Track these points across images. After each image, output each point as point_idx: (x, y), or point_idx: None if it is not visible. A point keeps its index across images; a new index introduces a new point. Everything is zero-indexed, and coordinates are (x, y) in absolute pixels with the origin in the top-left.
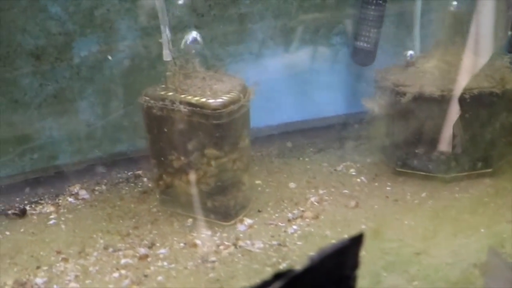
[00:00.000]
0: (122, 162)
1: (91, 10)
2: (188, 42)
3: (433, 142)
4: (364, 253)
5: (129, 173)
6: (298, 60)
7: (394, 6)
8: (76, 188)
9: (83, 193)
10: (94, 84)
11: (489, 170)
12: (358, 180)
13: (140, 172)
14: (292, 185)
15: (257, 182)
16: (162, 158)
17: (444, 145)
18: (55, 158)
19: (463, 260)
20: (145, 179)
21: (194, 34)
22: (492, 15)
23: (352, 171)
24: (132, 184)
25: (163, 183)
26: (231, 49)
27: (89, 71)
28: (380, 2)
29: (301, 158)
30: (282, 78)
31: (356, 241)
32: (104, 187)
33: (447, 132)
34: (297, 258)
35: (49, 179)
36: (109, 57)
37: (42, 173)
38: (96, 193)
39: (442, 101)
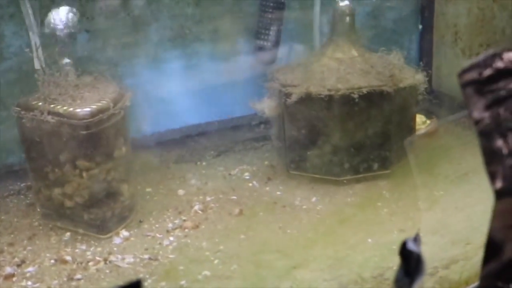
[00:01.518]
0: (14, 174)
1: None
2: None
3: (325, 143)
4: (236, 267)
5: (21, 185)
6: (199, 61)
7: (295, 3)
8: None
9: None
10: None
11: (387, 171)
12: (250, 184)
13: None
14: (181, 192)
15: (148, 189)
16: (39, 170)
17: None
18: None
19: (343, 276)
20: None
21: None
22: None
23: (247, 175)
24: (22, 196)
25: (42, 196)
26: (125, 53)
27: None
28: None
29: (198, 163)
30: (183, 80)
31: None
32: None
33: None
34: (165, 274)
35: None
36: None
37: None
38: None
39: (330, 101)
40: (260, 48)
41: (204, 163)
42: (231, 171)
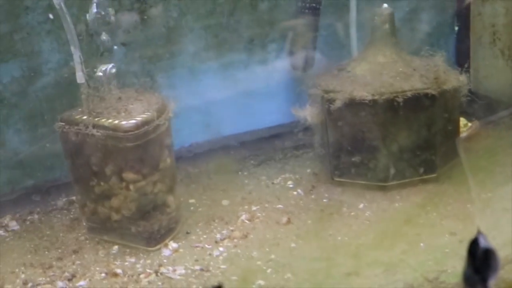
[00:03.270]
0: (56, 189)
1: (10, 34)
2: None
3: (369, 149)
4: (290, 276)
5: (63, 200)
6: (235, 70)
7: (331, 9)
8: (6, 220)
9: (13, 224)
10: (20, 111)
11: (433, 175)
12: (295, 193)
13: (74, 197)
14: (225, 202)
15: (191, 201)
16: (84, 184)
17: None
18: None
19: (398, 281)
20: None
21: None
22: None
23: (290, 183)
24: (65, 211)
25: (88, 210)
26: (162, 64)
27: (14, 97)
28: (314, 5)
29: (240, 173)
30: (219, 90)
31: None
32: (36, 216)
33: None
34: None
35: None
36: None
37: None
38: (28, 223)
39: (374, 105)
40: (297, 55)
41: (245, 173)
42: (274, 180)
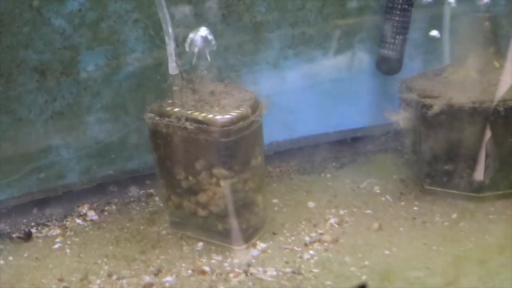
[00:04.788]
0: (134, 180)
1: (97, 22)
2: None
3: (465, 158)
4: (387, 284)
5: (141, 192)
6: (319, 69)
7: (421, 11)
8: (84, 209)
9: (92, 214)
10: (102, 99)
11: None
12: (383, 199)
13: (152, 190)
14: (311, 204)
15: (274, 200)
16: (170, 178)
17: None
18: (63, 177)
19: None
20: (157, 198)
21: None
22: None
23: (377, 188)
24: (144, 204)
25: (172, 204)
26: (247, 60)
27: (97, 85)
28: (406, 7)
29: (322, 174)
30: (302, 89)
31: None
32: (114, 207)
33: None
34: None
35: (57, 199)
36: None
37: (50, 193)
38: (106, 213)
39: (473, 114)
40: (384, 58)
41: (328, 175)
42: (359, 184)
